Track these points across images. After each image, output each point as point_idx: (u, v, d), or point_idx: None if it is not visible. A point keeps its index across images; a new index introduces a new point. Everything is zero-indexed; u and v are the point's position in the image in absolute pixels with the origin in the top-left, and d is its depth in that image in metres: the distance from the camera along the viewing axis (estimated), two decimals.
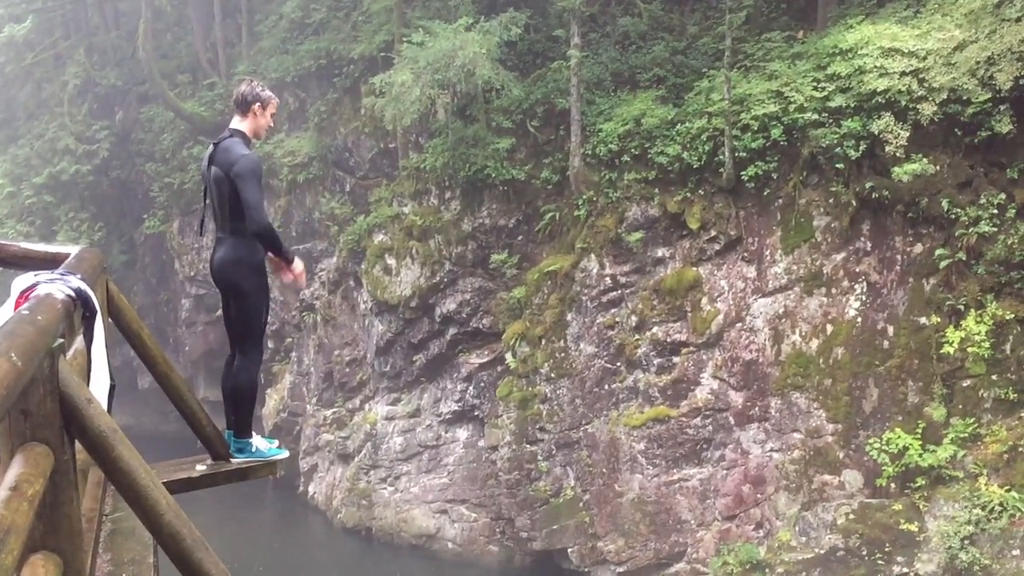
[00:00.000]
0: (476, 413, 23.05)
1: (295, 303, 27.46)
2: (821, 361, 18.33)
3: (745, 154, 18.68)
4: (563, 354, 20.98)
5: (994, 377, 16.59)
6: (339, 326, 26.06)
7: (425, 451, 23.74)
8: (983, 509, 15.79)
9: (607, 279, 20.51)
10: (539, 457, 21.19)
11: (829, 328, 18.36)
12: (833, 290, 18.40)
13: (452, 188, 22.95)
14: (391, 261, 23.54)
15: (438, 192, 23.28)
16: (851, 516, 17.45)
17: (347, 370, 25.71)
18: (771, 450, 18.89)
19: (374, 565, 23.31)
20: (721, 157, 18.99)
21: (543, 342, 21.19)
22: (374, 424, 24.53)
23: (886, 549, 16.95)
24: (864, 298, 18.09)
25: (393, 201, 24.28)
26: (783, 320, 18.88)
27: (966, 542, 15.75)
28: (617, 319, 20.43)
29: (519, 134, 22.10)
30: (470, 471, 23.00)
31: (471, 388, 23.05)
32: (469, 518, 22.96)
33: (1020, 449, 16.05)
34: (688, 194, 19.64)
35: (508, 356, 21.78)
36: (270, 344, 28.47)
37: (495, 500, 22.11)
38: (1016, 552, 15.37)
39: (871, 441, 17.44)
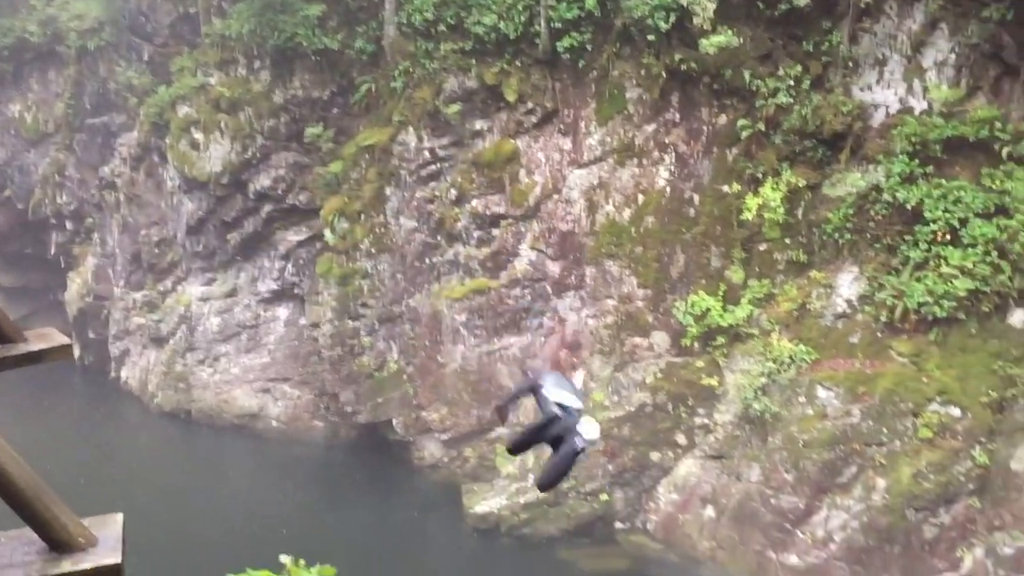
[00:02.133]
0: (296, 291, 22.71)
1: (94, 181, 25.72)
2: (633, 230, 19.06)
3: (560, 25, 18.68)
4: (383, 229, 20.84)
5: (787, 241, 17.79)
6: (145, 204, 24.70)
7: (244, 331, 23.28)
8: (774, 362, 17.15)
9: (425, 152, 20.33)
10: (362, 332, 21.23)
11: (640, 198, 19.04)
12: (644, 161, 19.01)
13: (261, 58, 21.83)
14: (198, 135, 22.34)
15: (246, 62, 22.10)
16: (658, 375, 18.57)
17: (156, 251, 24.56)
18: (586, 316, 19.69)
19: (196, 447, 23.00)
20: (537, 27, 18.92)
21: (362, 217, 20.93)
22: (188, 306, 23.74)
23: (689, 403, 18.22)
24: (673, 168, 18.81)
25: (197, 71, 22.87)
26: (598, 191, 19.41)
27: (759, 392, 17.14)
28: (436, 193, 20.39)
29: (330, 0, 21.14)
30: (292, 349, 22.82)
31: (290, 266, 22.62)
32: (292, 396, 22.91)
33: (808, 307, 17.44)
34: (505, 66, 19.53)
35: (327, 232, 21.41)
36: (68, 225, 26.73)
37: (318, 377, 22.10)
38: (802, 400, 16.88)
39: (677, 304, 18.47)
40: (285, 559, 3.45)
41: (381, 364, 21.17)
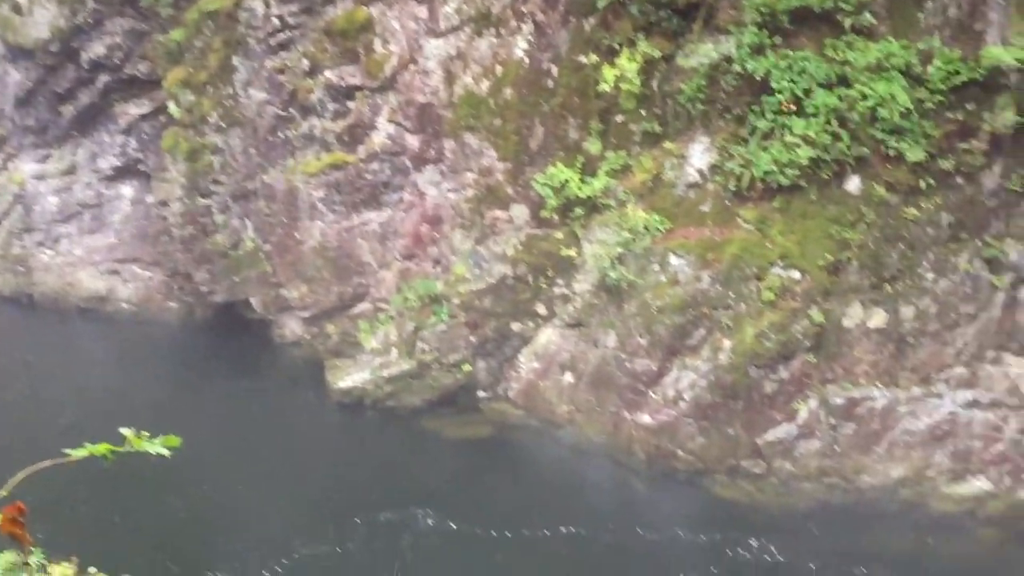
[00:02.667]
0: (141, 168, 21.61)
1: None
2: (492, 102, 18.84)
3: None
4: (232, 102, 19.89)
5: (643, 112, 18.00)
6: None
7: (86, 211, 22.10)
8: (630, 232, 17.59)
9: (274, 19, 19.32)
10: (214, 210, 20.49)
11: (499, 69, 18.77)
12: (502, 31, 18.66)
13: None
14: None
15: None
16: (519, 247, 18.79)
17: None
18: (447, 190, 19.56)
19: (41, 332, 22.03)
20: None
21: (209, 89, 19.89)
22: (22, 184, 22.28)
23: (549, 274, 18.58)
24: (531, 39, 18.54)
25: None
26: (455, 62, 18.99)
27: (615, 262, 17.61)
28: (288, 63, 19.51)
29: None
30: (140, 229, 21.87)
31: (132, 141, 21.43)
32: (143, 277, 22.10)
33: (662, 177, 17.83)
34: None
35: (171, 105, 20.27)
36: None
37: (170, 257, 21.33)
38: (656, 268, 17.46)
39: (536, 177, 18.55)
40: (126, 431, 3.34)
41: (236, 242, 20.58)
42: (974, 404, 16.74)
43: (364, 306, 20.44)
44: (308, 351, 20.81)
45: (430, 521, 16.55)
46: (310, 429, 19.10)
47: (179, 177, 20.44)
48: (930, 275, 16.57)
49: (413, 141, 19.51)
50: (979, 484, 16.76)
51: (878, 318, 16.70)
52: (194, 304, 21.66)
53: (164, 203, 20.87)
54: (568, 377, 18.63)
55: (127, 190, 21.94)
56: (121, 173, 21.81)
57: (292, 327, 20.95)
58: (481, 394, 19.44)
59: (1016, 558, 16.04)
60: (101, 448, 3.30)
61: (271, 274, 20.56)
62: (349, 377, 19.61)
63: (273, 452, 18.37)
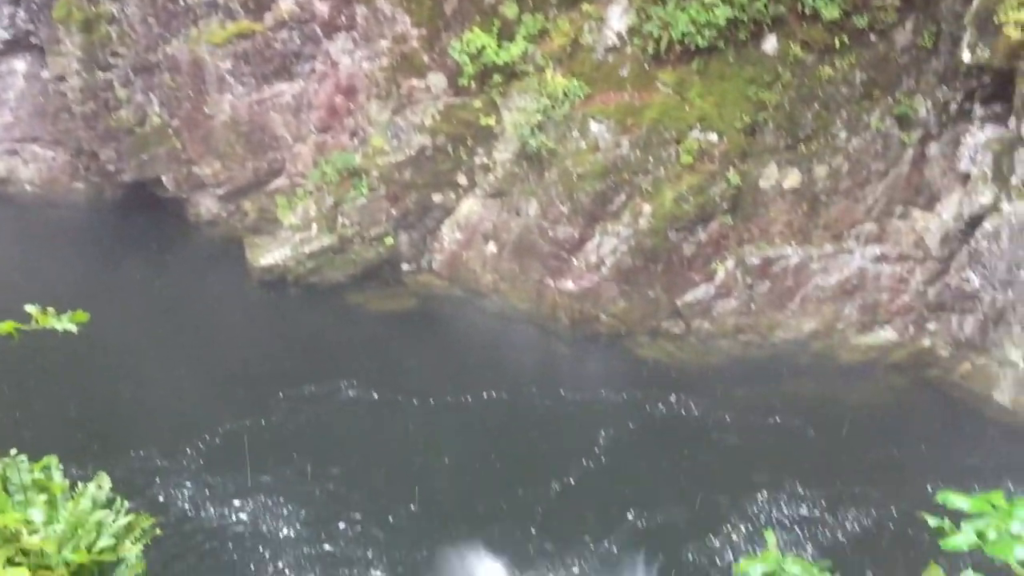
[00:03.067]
0: (33, 40, 20.33)
1: None
2: None
3: None
4: None
5: None
6: None
7: None
8: (549, 99, 17.39)
9: None
10: (116, 85, 19.52)
11: None
12: None
13: None
14: None
15: None
16: (437, 117, 18.45)
17: None
18: (360, 59, 18.95)
19: None
20: None
21: None
22: None
23: (468, 143, 18.36)
24: None
25: None
26: None
27: (535, 129, 17.46)
28: None
29: None
30: (37, 106, 20.78)
31: (20, 11, 20.08)
32: (46, 157, 21.16)
33: (580, 41, 17.54)
34: None
35: None
36: None
37: (72, 135, 20.38)
38: (576, 134, 17.38)
39: (453, 43, 18.07)
40: (31, 309, 3.25)
41: (142, 118, 19.74)
42: (882, 258, 17.38)
43: (281, 181, 20.00)
44: (226, 229, 20.39)
45: (352, 392, 16.71)
46: (231, 307, 18.91)
47: (75, 50, 19.33)
48: (843, 134, 16.87)
49: (322, 7, 18.72)
50: (885, 334, 17.58)
51: (793, 178, 17.03)
52: (102, 184, 20.88)
53: (61, 78, 19.79)
54: (491, 247, 18.69)
55: (20, 65, 20.70)
56: (12, 47, 20.53)
57: (207, 205, 20.44)
58: (405, 267, 19.43)
59: (918, 401, 17.02)
60: (6, 326, 3.22)
61: (181, 151, 19.87)
62: (269, 254, 19.35)
63: (193, 331, 18.20)
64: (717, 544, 13.98)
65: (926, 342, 17.49)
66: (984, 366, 16.89)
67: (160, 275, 19.55)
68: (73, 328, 3.37)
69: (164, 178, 20.13)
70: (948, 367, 17.29)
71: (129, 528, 7.50)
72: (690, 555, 13.78)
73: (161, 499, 13.74)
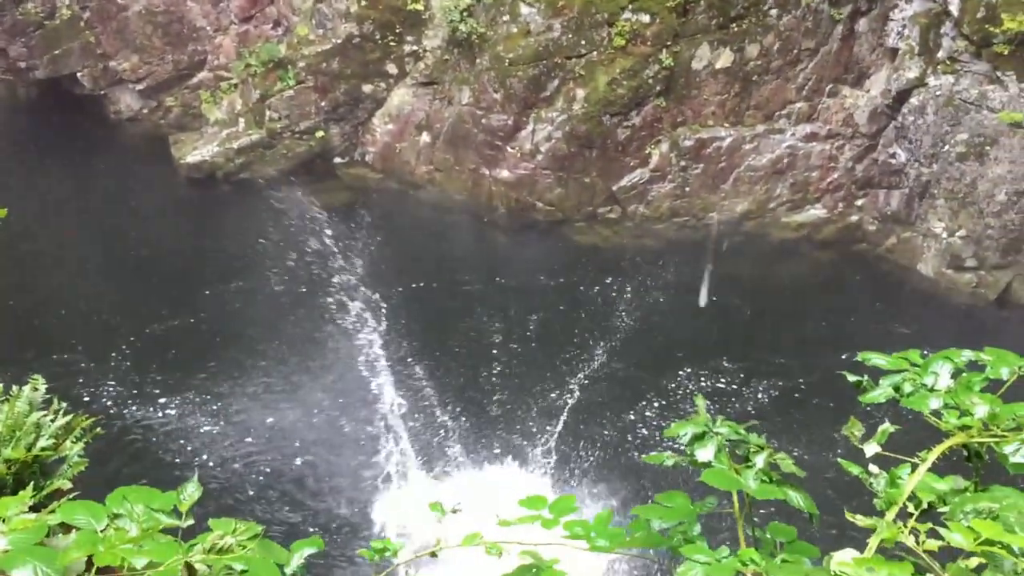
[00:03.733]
0: None
1: None
2: None
3: None
4: None
5: None
6: None
7: None
8: None
9: None
10: None
11: None
12: None
13: None
14: None
15: None
16: (363, 3, 17.89)
17: None
18: None
19: None
20: None
21: None
22: None
23: (397, 31, 17.90)
24: None
25: None
26: None
27: (465, 14, 17.07)
28: None
29: None
30: None
31: None
32: None
33: None
34: None
35: None
36: None
37: None
38: (506, 18, 17.05)
39: None
40: None
41: (51, 10, 18.76)
42: (812, 137, 17.61)
43: (204, 75, 19.34)
44: (149, 126, 19.74)
45: (284, 287, 16.58)
46: (159, 205, 18.45)
47: None
48: (774, 11, 16.81)
49: None
50: (815, 211, 17.97)
51: (725, 58, 17.01)
52: (15, 83, 19.94)
53: None
54: (425, 137, 18.46)
55: None
56: None
57: (127, 102, 19.71)
58: (337, 160, 19.12)
59: (846, 274, 17.55)
60: None
61: (96, 45, 19.01)
62: (196, 151, 18.85)
63: (120, 230, 17.75)
64: (647, 415, 14.45)
65: (854, 218, 17.93)
66: (909, 239, 17.43)
67: (82, 175, 18.95)
68: None
69: (79, 74, 19.30)
70: (875, 241, 17.80)
71: (68, 428, 7.51)
72: (617, 428, 14.22)
73: (87, 399, 13.62)
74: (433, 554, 2.84)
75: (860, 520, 2.26)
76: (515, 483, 12.97)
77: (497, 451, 13.77)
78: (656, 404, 14.65)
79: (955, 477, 2.85)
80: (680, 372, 15.25)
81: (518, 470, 13.43)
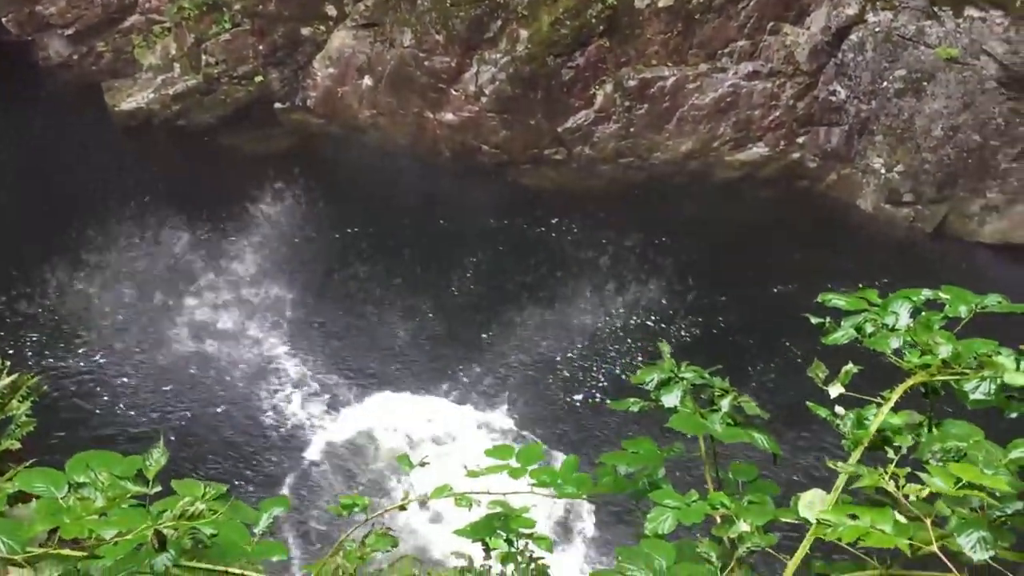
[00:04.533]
0: None
1: None
2: None
3: None
4: None
5: None
6: None
7: None
8: None
9: None
10: None
11: None
12: None
13: None
14: None
15: None
16: None
17: None
18: None
19: None
20: None
21: None
22: None
23: None
24: None
25: None
26: None
27: None
28: None
29: None
30: None
31: None
32: None
33: None
34: None
35: None
36: None
37: None
38: None
39: None
40: None
41: None
42: (755, 75, 17.65)
43: (135, 19, 18.66)
44: (80, 73, 19.04)
45: (228, 235, 16.30)
46: (94, 155, 17.87)
47: None
48: None
49: None
50: (758, 150, 18.08)
51: None
52: None
53: None
54: (367, 80, 18.11)
55: None
56: None
57: (56, 47, 18.96)
58: (278, 106, 18.70)
59: (786, 210, 17.74)
60: None
61: None
62: (131, 98, 18.27)
63: (53, 181, 17.17)
64: (593, 357, 14.57)
65: (796, 155, 18.09)
66: (849, 175, 17.68)
67: (11, 125, 18.27)
68: None
69: (4, 20, 18.52)
70: (816, 178, 18.01)
71: (14, 387, 7.33)
72: (559, 370, 14.32)
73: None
74: (402, 507, 2.84)
75: (841, 467, 2.30)
76: (455, 427, 13.04)
77: (441, 395, 13.79)
78: (602, 346, 14.79)
79: (910, 412, 2.91)
80: (627, 313, 15.39)
81: (462, 413, 13.48)
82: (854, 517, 2.10)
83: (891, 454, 2.34)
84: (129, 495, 2.07)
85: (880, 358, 2.80)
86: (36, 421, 6.60)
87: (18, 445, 6.49)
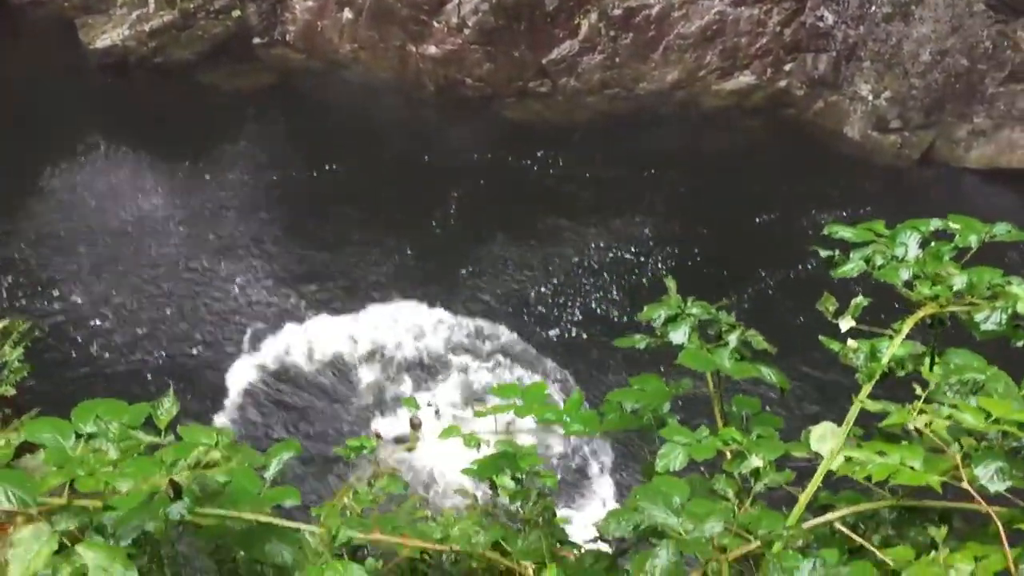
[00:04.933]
0: None
1: None
2: None
3: None
4: None
5: None
6: None
7: None
8: None
9: None
10: None
11: None
12: None
13: None
14: None
15: None
16: None
17: None
18: None
19: None
20: None
21: None
22: None
23: None
24: None
25: None
26: None
27: None
28: None
29: None
30: None
31: None
32: None
33: None
34: None
35: None
36: None
37: None
38: None
39: None
40: None
41: None
42: (741, 1, 17.38)
43: None
44: (53, 9, 18.54)
45: (207, 174, 16.07)
46: (69, 95, 17.50)
47: None
48: None
49: None
50: (744, 78, 17.89)
51: None
52: None
53: None
54: (347, 13, 17.74)
55: None
56: None
57: None
58: (257, 41, 18.33)
59: (774, 141, 17.63)
60: None
61: None
62: (106, 35, 17.83)
63: (28, 122, 16.76)
64: (580, 290, 14.48)
65: (783, 83, 17.91)
66: (836, 103, 17.55)
67: None
68: None
69: None
70: (803, 106, 17.87)
71: (6, 333, 7.29)
72: (544, 304, 14.23)
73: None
74: (410, 449, 2.83)
75: (870, 404, 2.30)
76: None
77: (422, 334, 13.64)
78: (590, 278, 14.70)
79: (913, 343, 2.91)
80: (613, 245, 15.28)
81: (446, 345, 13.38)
82: (881, 454, 2.10)
83: (919, 390, 2.32)
84: (143, 446, 2.05)
85: (866, 288, 2.79)
86: (30, 367, 6.57)
87: (12, 391, 6.47)
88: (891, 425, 2.23)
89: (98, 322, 13.34)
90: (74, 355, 12.80)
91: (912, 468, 2.06)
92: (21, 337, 6.95)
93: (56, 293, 13.69)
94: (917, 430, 2.15)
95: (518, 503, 2.97)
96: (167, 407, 2.27)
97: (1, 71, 17.91)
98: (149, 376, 12.51)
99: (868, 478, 2.11)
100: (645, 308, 2.92)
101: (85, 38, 17.97)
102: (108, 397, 2.44)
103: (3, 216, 14.97)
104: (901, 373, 2.81)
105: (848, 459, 2.15)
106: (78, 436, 2.21)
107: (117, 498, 1.89)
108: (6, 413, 6.74)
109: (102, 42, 17.80)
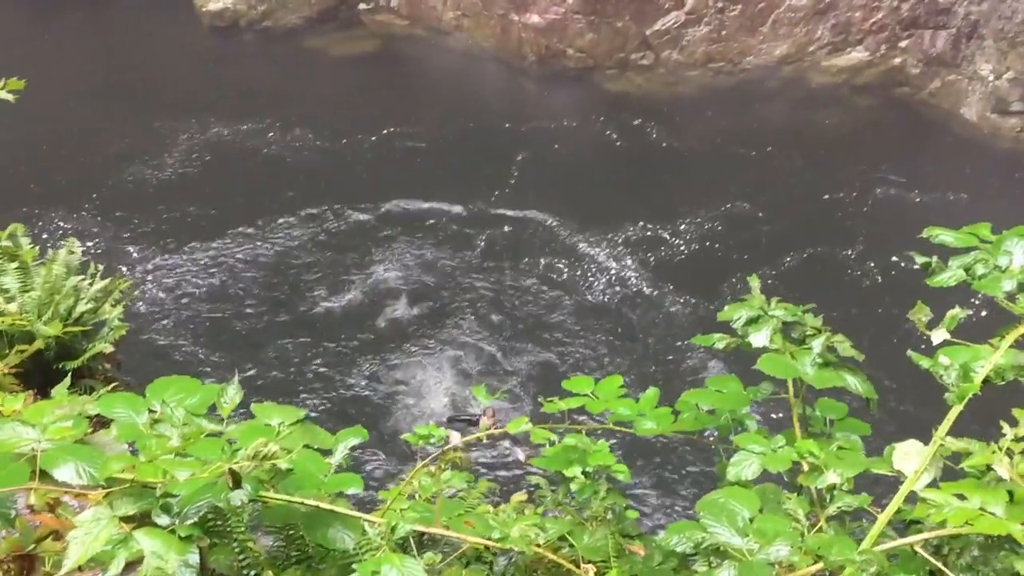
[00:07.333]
0: None
1: None
2: None
3: None
4: None
5: None
6: None
7: None
8: None
9: None
10: None
11: None
12: None
13: None
14: None
15: None
16: None
17: None
18: None
19: None
20: None
21: None
22: None
23: None
24: None
25: None
26: None
27: None
28: None
29: None
30: None
31: None
32: None
33: None
34: None
35: None
36: None
37: None
38: None
39: None
40: None
41: None
42: None
43: None
44: None
45: (310, 135, 16.15)
46: (182, 56, 18.00)
47: None
48: None
49: None
50: (857, 54, 17.22)
51: None
52: None
53: None
54: None
55: None
56: None
57: None
58: (363, 7, 18.50)
59: (885, 120, 16.95)
60: None
61: None
62: None
63: (143, 83, 17.26)
64: (675, 271, 14.03)
65: (897, 60, 17.17)
66: (954, 82, 16.72)
67: (100, 30, 18.49)
68: (10, 97, 3.14)
69: None
70: (918, 85, 17.10)
71: (107, 291, 7.54)
72: (638, 278, 13.83)
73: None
74: (480, 439, 2.81)
75: (951, 443, 2.15)
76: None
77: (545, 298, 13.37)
78: (687, 258, 14.27)
79: (1018, 351, 2.71)
80: (712, 226, 14.80)
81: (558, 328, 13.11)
82: (961, 497, 1.96)
83: (1005, 428, 2.15)
84: (204, 434, 2.07)
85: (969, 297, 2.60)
86: (129, 326, 6.79)
87: (111, 348, 6.70)
88: (973, 466, 2.09)
89: (205, 281, 13.42)
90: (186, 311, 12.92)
91: (993, 514, 1.92)
92: (122, 296, 7.19)
93: (163, 253, 13.83)
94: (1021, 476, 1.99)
95: (586, 496, 2.92)
96: (231, 395, 2.29)
97: (116, 33, 18.53)
98: (250, 350, 12.38)
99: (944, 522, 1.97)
100: (725, 307, 2.80)
101: (198, 1, 18.40)
102: (186, 372, 2.48)
103: (112, 173, 15.36)
104: (1001, 383, 2.63)
105: (923, 500, 2.02)
106: (150, 412, 2.24)
107: (176, 484, 1.90)
108: (105, 368, 7.01)
109: (214, 5, 18.22)
